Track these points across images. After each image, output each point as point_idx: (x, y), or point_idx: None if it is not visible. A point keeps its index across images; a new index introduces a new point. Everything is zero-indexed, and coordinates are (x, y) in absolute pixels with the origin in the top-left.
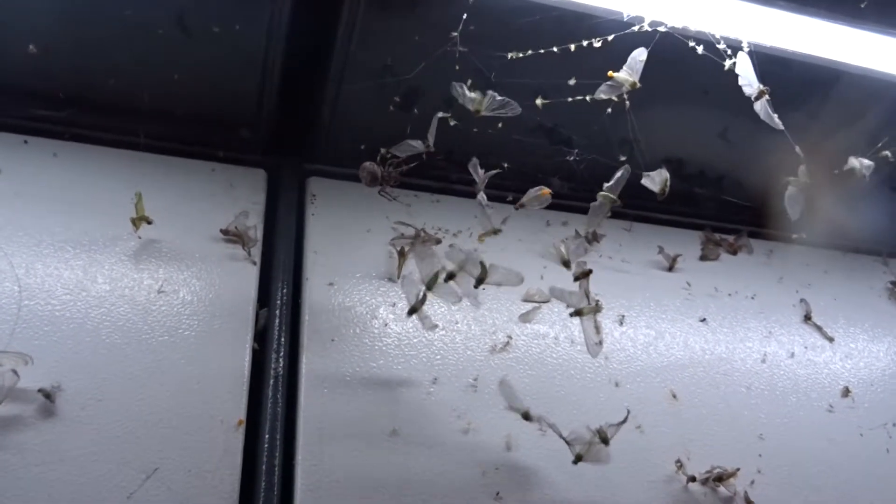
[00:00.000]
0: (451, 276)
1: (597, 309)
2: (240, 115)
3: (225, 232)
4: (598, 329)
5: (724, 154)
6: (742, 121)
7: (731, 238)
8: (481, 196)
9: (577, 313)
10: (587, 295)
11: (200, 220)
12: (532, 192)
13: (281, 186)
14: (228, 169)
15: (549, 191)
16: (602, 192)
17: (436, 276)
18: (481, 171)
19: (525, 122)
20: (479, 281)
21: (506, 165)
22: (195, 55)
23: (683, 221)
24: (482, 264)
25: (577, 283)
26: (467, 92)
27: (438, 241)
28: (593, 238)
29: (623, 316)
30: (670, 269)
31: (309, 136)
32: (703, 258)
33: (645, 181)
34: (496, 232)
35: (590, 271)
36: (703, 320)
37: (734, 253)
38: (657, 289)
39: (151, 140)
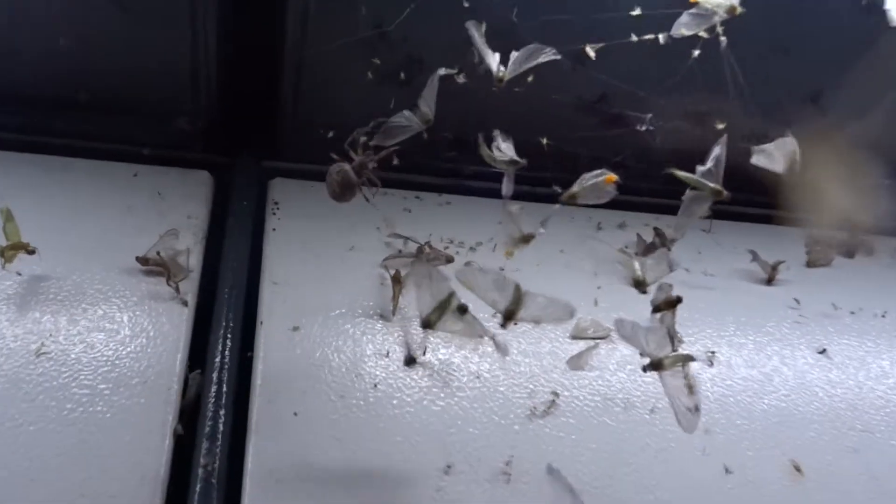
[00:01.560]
0: (464, 310)
1: (686, 359)
2: (171, 98)
3: (143, 261)
4: (690, 388)
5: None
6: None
7: (846, 235)
8: (506, 186)
9: (656, 366)
10: (672, 337)
11: (110, 246)
12: (588, 178)
13: (232, 193)
14: (156, 172)
15: (615, 177)
16: (696, 178)
17: (444, 308)
18: (504, 146)
19: (568, 79)
20: (509, 316)
21: (545, 142)
22: (94, 15)
23: (780, 216)
24: (516, 291)
25: (657, 316)
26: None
27: (450, 259)
28: (661, 243)
29: (712, 353)
30: (770, 281)
31: (267, 123)
32: (810, 264)
33: (757, 158)
34: (527, 239)
35: (678, 300)
36: (823, 352)
37: (851, 256)
38: (755, 310)
39: (36, 135)
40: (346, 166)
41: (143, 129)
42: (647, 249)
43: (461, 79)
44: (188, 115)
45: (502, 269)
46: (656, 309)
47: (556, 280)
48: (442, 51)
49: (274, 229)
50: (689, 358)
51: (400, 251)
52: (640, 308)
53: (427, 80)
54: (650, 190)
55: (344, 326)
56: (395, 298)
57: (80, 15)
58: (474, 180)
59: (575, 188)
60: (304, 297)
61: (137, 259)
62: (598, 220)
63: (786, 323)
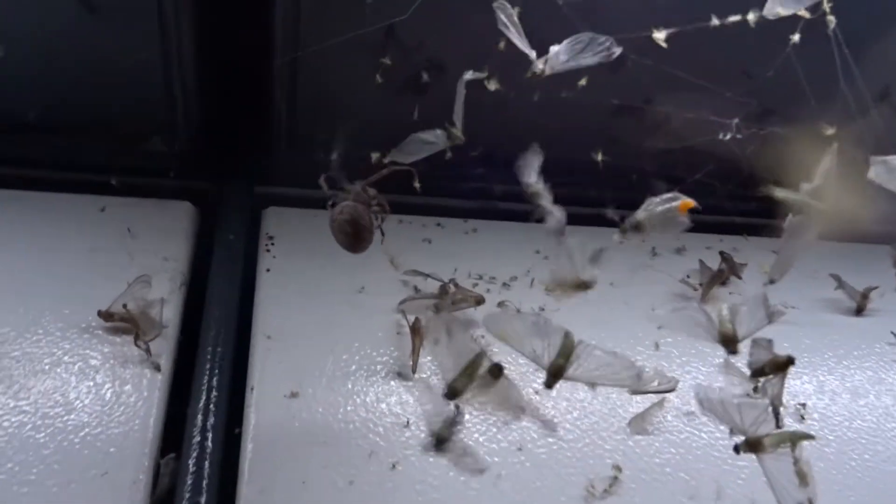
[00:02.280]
0: (497, 372)
1: (797, 438)
2: (141, 114)
3: (107, 315)
4: (803, 476)
5: None
6: None
7: None
8: (554, 212)
9: (754, 447)
10: (777, 410)
11: (67, 298)
12: (657, 203)
13: (217, 226)
14: (126, 205)
15: (691, 202)
16: (803, 199)
17: (473, 372)
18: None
19: (627, 78)
20: (557, 373)
21: (599, 159)
22: (43, 15)
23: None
24: (565, 341)
25: (759, 383)
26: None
27: (480, 301)
28: (730, 270)
29: (803, 406)
30: (860, 311)
31: (258, 141)
32: None
33: (876, 172)
34: (584, 286)
35: (789, 361)
36: None
37: None
38: (846, 348)
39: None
40: (350, 202)
41: (108, 153)
42: (713, 279)
43: (492, 84)
44: (163, 135)
45: (542, 309)
46: (757, 373)
47: (607, 320)
48: (467, 49)
49: (268, 270)
50: (803, 437)
51: (419, 291)
52: (713, 352)
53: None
54: (712, 207)
55: (354, 390)
56: (415, 352)
57: (25, 15)
58: (506, 201)
59: (640, 215)
60: (304, 355)
61: (100, 314)
62: (653, 245)
63: (885, 363)
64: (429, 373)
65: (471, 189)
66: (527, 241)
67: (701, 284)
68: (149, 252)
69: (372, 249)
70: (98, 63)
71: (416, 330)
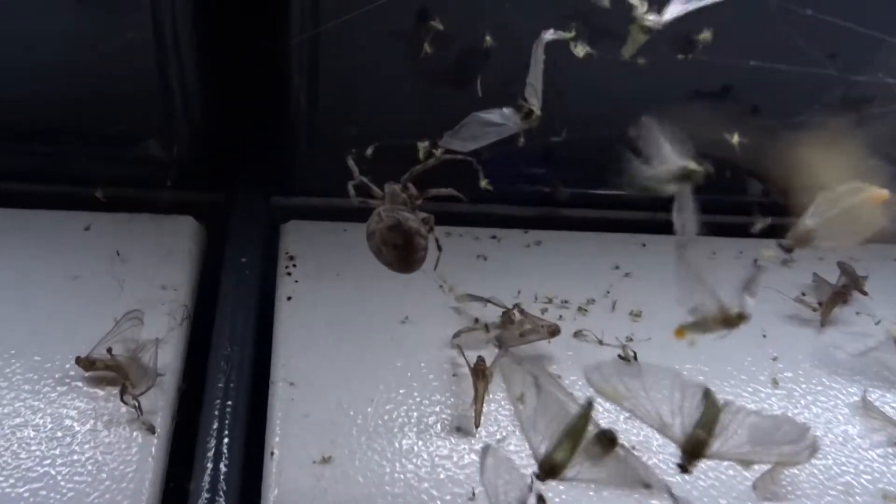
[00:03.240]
0: (611, 441)
1: None
2: (133, 114)
3: (87, 363)
4: None
5: None
6: None
7: None
8: (682, 219)
9: None
10: None
11: (40, 339)
12: (830, 199)
13: (227, 246)
14: (115, 222)
15: (885, 193)
16: None
17: (578, 435)
18: (669, 149)
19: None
20: (696, 450)
21: (735, 140)
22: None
23: None
24: (708, 405)
25: None
26: None
27: (554, 331)
28: (853, 285)
29: None
30: None
31: (274, 142)
32: None
33: None
34: (734, 321)
35: None
36: None
37: None
38: None
39: None
40: (388, 205)
41: (93, 160)
42: (834, 297)
43: (580, 49)
44: (159, 137)
45: (630, 339)
46: None
47: (711, 351)
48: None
49: (289, 298)
50: None
51: (477, 321)
52: (842, 388)
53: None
54: None
55: (401, 451)
56: (478, 400)
57: None
58: (574, 207)
59: (810, 221)
60: (336, 406)
61: (79, 361)
62: (753, 255)
63: None
64: (496, 427)
65: (531, 194)
66: (602, 254)
67: (820, 304)
68: (142, 279)
69: (417, 271)
70: (79, 51)
71: (479, 372)
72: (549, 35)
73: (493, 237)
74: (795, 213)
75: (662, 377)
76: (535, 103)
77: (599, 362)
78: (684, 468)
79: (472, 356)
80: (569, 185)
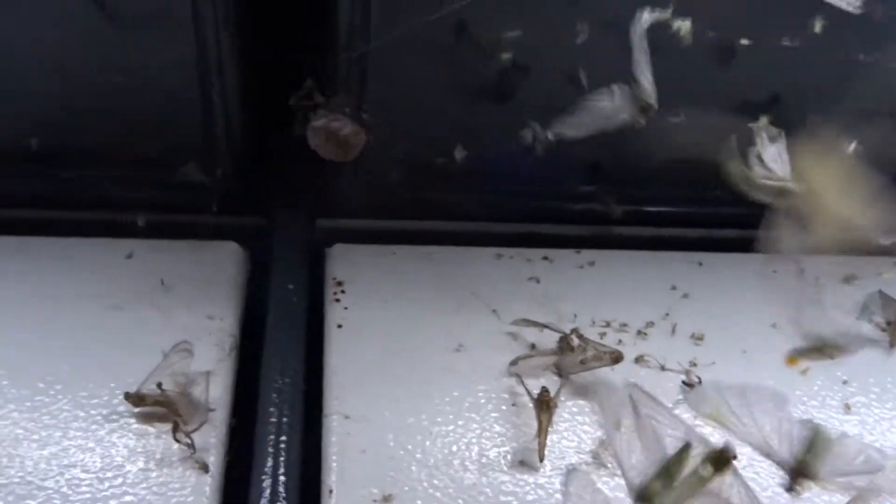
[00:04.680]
0: (723, 461)
1: None
2: (173, 136)
3: (137, 398)
4: None
5: None
6: None
7: None
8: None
9: None
10: None
11: (84, 373)
12: None
13: (272, 273)
14: (157, 249)
15: None
16: None
17: (679, 464)
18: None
19: None
20: (800, 476)
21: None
22: (46, 19)
23: None
24: (817, 438)
25: None
26: None
27: (617, 358)
28: None
29: None
30: None
31: (318, 161)
32: None
33: None
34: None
35: None
36: None
37: None
38: None
39: None
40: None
41: (134, 186)
42: None
43: (684, 29)
44: (200, 160)
45: (694, 364)
46: None
47: (780, 374)
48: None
49: (339, 326)
50: None
51: (534, 347)
52: None
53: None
54: None
55: (464, 487)
56: (541, 433)
57: (27, 20)
58: (628, 225)
59: None
60: (396, 440)
61: (128, 397)
62: (815, 273)
63: None
64: (562, 460)
65: (582, 212)
66: (658, 274)
67: (889, 323)
68: (188, 309)
69: (468, 295)
70: (117, 73)
71: (543, 403)
72: (645, 17)
73: (545, 258)
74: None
75: (766, 399)
76: (650, 95)
77: (700, 392)
78: (791, 488)
79: (531, 384)
80: (621, 202)
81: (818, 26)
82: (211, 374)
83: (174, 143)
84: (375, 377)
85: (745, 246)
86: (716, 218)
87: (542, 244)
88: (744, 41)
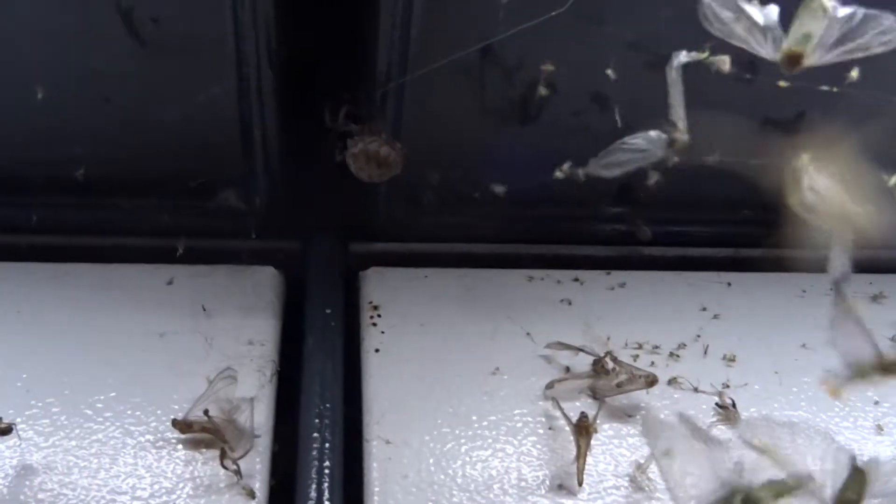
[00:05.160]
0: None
1: None
2: (212, 163)
3: (184, 426)
4: None
5: None
6: None
7: None
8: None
9: None
10: None
11: (131, 402)
12: None
13: (309, 296)
14: (198, 275)
15: None
16: None
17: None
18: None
19: None
20: None
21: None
22: (89, 51)
23: None
24: (856, 475)
25: None
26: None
27: (652, 381)
28: None
29: None
30: None
31: (351, 184)
32: None
33: None
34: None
35: None
36: None
37: None
38: None
39: (12, 234)
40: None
41: (174, 213)
42: None
43: (726, 64)
44: (237, 187)
45: (727, 386)
46: None
47: (810, 394)
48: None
49: (377, 350)
50: None
51: (569, 370)
52: None
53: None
54: None
55: None
56: (580, 457)
57: (69, 49)
58: (658, 245)
59: None
60: (434, 464)
61: (176, 424)
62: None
63: None
64: (600, 483)
65: (611, 233)
66: (688, 295)
67: None
68: (229, 334)
69: (501, 318)
70: (160, 106)
71: (582, 429)
72: (682, 57)
73: (576, 279)
74: None
75: (810, 435)
76: (681, 129)
77: (751, 419)
78: None
79: (567, 406)
80: (649, 223)
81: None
82: (254, 402)
83: (213, 172)
84: (414, 402)
85: (772, 265)
86: (744, 237)
87: (572, 265)
88: (782, 84)
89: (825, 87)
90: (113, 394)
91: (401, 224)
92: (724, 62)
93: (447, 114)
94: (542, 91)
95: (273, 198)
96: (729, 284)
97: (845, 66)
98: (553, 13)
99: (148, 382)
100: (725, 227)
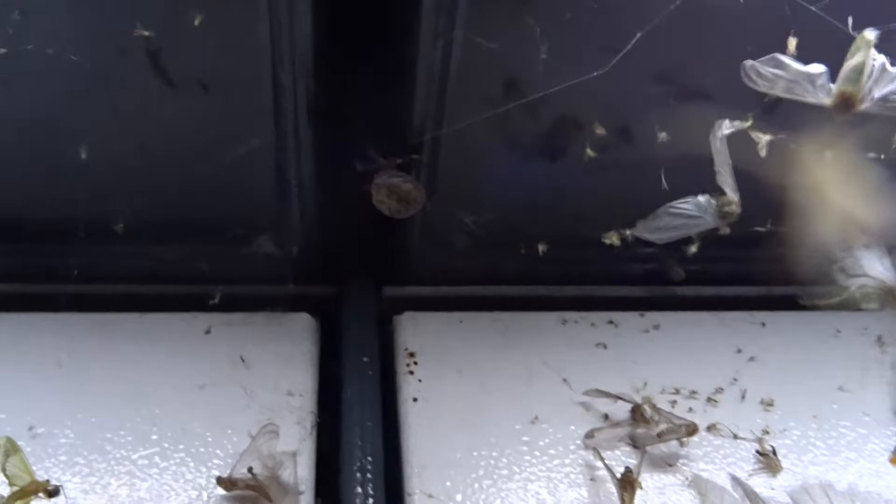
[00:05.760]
0: None
1: None
2: (247, 209)
3: (229, 484)
4: None
5: None
6: None
7: None
8: None
9: None
10: None
11: (172, 455)
12: None
13: (345, 344)
14: (234, 323)
15: None
16: None
17: None
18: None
19: None
20: None
21: None
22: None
23: None
24: None
25: None
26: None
27: (692, 430)
28: None
29: None
30: None
31: (384, 231)
32: None
33: None
34: None
35: None
36: None
37: None
38: None
39: (49, 283)
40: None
41: (209, 260)
42: None
43: (763, 139)
44: (273, 233)
45: (766, 432)
46: None
47: (849, 441)
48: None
49: (415, 399)
50: None
51: (606, 417)
52: None
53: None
54: None
55: None
56: None
57: (107, 113)
58: (691, 285)
59: None
60: None
61: (220, 482)
62: (878, 332)
63: None
64: None
65: (644, 273)
66: (723, 337)
67: None
68: (268, 385)
69: (538, 363)
70: (198, 157)
71: (627, 483)
72: (725, 128)
73: (610, 322)
74: None
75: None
76: (732, 199)
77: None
78: None
79: (607, 455)
80: (686, 262)
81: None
82: (297, 457)
83: (248, 219)
84: (455, 453)
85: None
86: (777, 275)
87: (605, 306)
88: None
89: (872, 155)
90: (157, 449)
91: (435, 267)
92: (763, 143)
93: (481, 158)
94: (590, 153)
95: (307, 243)
96: (763, 324)
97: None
98: (595, 73)
99: (191, 437)
100: (757, 266)
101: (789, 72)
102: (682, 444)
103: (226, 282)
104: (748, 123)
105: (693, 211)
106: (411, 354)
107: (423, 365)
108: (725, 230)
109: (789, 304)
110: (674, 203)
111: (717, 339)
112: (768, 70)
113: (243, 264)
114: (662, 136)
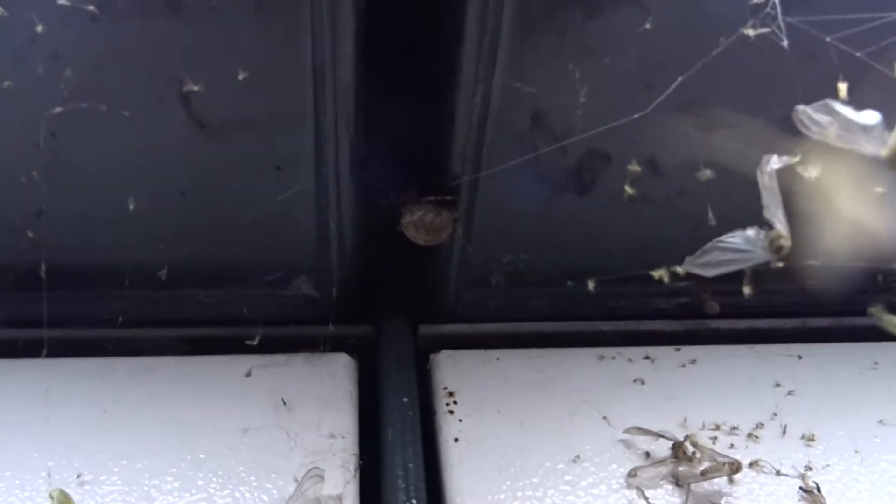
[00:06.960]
0: None
1: None
2: (286, 252)
3: None
4: None
5: None
6: None
7: None
8: None
9: None
10: None
11: (220, 502)
12: None
13: (384, 384)
14: (275, 365)
15: None
16: None
17: None
18: None
19: None
20: None
21: None
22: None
23: None
24: None
25: None
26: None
27: (736, 468)
28: None
29: None
30: None
31: (420, 270)
32: None
33: None
34: None
35: None
36: None
37: None
38: None
39: (91, 328)
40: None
41: (249, 303)
42: None
43: (811, 171)
44: (312, 274)
45: (809, 468)
46: None
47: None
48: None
49: (456, 440)
50: None
51: (648, 455)
52: None
53: None
54: None
55: None
56: None
57: (156, 168)
58: (726, 318)
59: None
60: None
61: None
62: (876, 359)
63: None
64: None
65: (678, 307)
66: (760, 370)
67: None
68: (310, 428)
69: (577, 401)
70: (234, 203)
71: None
72: (774, 163)
73: (647, 357)
74: None
75: None
76: (783, 233)
77: None
78: None
79: (650, 494)
80: (720, 294)
81: None
82: (343, 498)
83: (288, 262)
84: (498, 495)
85: (842, 335)
86: (812, 307)
87: (641, 342)
88: (879, 189)
89: None
90: (203, 495)
91: (471, 306)
92: (811, 168)
93: (517, 198)
94: (629, 190)
95: (345, 284)
96: (800, 357)
97: None
98: (636, 115)
99: (236, 482)
100: (792, 297)
101: (840, 119)
102: (730, 482)
103: (265, 323)
104: (797, 159)
105: (742, 245)
106: (450, 394)
107: (463, 404)
108: (777, 264)
109: (825, 335)
110: (722, 237)
111: (755, 373)
112: (820, 116)
113: (282, 306)
114: (707, 172)
